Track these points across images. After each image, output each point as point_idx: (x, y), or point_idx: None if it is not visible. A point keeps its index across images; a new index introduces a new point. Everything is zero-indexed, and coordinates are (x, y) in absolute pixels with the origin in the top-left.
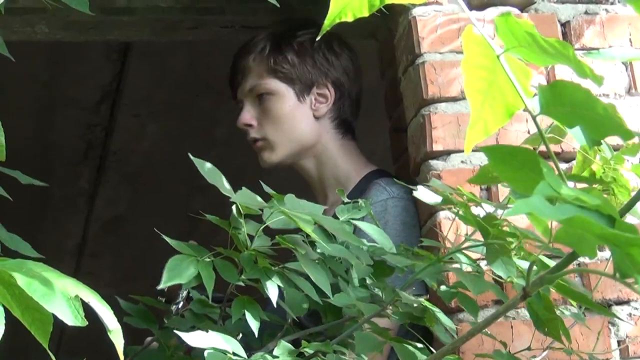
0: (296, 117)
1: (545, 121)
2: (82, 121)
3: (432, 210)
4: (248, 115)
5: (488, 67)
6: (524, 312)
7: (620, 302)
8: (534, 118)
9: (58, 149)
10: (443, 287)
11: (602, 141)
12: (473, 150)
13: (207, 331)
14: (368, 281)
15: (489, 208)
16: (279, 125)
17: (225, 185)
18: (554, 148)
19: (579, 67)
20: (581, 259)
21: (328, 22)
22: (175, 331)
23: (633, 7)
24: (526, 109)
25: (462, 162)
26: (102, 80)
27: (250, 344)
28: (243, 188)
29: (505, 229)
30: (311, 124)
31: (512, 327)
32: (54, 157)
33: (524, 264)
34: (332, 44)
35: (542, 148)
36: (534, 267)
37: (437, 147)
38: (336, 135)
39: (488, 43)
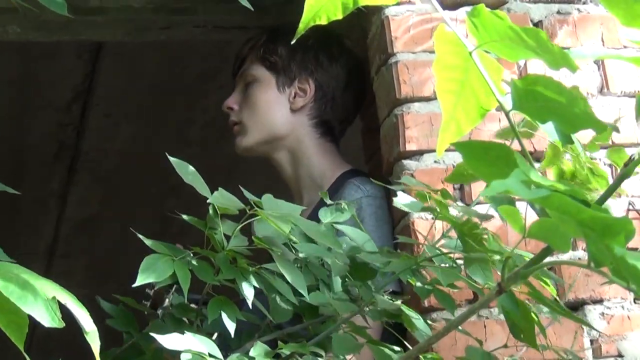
0: (272, 106)
1: (517, 116)
2: (54, 121)
3: (406, 210)
4: (232, 99)
5: (460, 66)
6: (497, 312)
7: (593, 301)
8: (506, 114)
9: (29, 148)
10: (419, 284)
11: (574, 138)
12: (446, 150)
13: (183, 333)
14: (347, 282)
15: (463, 208)
16: (255, 111)
17: (203, 187)
18: (526, 146)
19: (550, 57)
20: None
21: (302, 26)
22: (151, 333)
23: (604, 6)
24: (499, 107)
25: (435, 161)
26: (74, 80)
27: (228, 343)
28: (220, 189)
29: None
30: (286, 115)
31: (485, 326)
32: (24, 157)
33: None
34: (332, 47)
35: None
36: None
37: (410, 146)
38: (313, 133)
39: (460, 40)
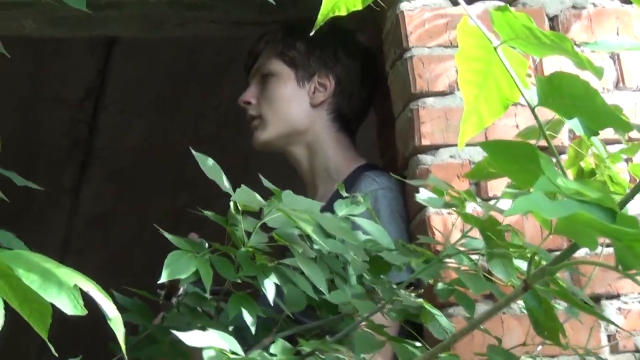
0: (292, 101)
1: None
2: (66, 118)
3: (422, 205)
4: (249, 93)
5: (483, 58)
6: (514, 307)
7: (609, 297)
8: (532, 110)
9: (42, 145)
10: (440, 284)
11: (599, 144)
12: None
13: (205, 329)
14: (365, 277)
15: (484, 205)
16: (275, 105)
17: (224, 182)
18: (543, 142)
19: (578, 60)
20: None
21: (321, 17)
22: (173, 331)
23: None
24: (520, 102)
25: (450, 156)
26: (87, 76)
27: (244, 337)
28: (242, 186)
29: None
30: (306, 110)
31: (502, 321)
32: (37, 153)
33: (522, 264)
34: (349, 43)
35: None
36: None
37: (426, 141)
38: (331, 127)
39: (484, 35)
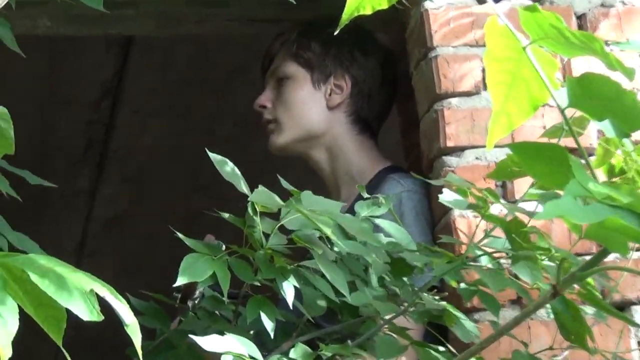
0: (308, 103)
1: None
2: (82, 118)
3: (447, 208)
4: (264, 97)
5: (512, 59)
6: (542, 313)
7: None
8: (562, 111)
9: (57, 146)
10: (463, 285)
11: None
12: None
13: (223, 333)
14: (386, 279)
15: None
16: (290, 109)
17: (242, 185)
18: (572, 144)
19: (607, 61)
20: None
21: (346, 16)
22: (190, 335)
23: None
24: (550, 102)
25: (476, 158)
26: (103, 76)
27: (264, 341)
28: (260, 186)
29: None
30: (323, 112)
31: (529, 327)
32: (53, 154)
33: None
34: (366, 43)
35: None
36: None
37: (451, 143)
38: (351, 130)
39: (513, 34)
